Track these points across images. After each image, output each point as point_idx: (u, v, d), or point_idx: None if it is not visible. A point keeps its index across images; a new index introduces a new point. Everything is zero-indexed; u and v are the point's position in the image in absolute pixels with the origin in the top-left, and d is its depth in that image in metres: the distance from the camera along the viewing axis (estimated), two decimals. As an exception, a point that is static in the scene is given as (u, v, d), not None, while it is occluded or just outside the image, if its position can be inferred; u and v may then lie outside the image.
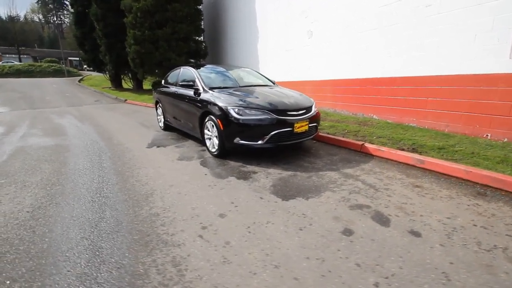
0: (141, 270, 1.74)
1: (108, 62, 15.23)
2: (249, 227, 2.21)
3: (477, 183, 2.94)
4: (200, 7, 12.49)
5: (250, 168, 3.58)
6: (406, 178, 3.14)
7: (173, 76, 5.78)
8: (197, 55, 12.79)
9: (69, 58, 42.65)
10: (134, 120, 7.66)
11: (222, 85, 4.56)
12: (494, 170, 3.04)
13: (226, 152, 3.98)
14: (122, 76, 17.33)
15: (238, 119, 3.63)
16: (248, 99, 3.90)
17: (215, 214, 2.43)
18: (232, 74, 5.20)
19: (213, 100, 4.01)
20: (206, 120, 4.13)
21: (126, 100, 12.59)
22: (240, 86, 4.64)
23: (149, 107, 10.40)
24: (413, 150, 3.90)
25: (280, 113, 3.67)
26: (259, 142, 3.63)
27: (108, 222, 2.34)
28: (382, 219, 2.28)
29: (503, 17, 3.81)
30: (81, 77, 26.59)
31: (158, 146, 4.80)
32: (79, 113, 9.21)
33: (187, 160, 4.00)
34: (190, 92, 4.59)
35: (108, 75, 17.74)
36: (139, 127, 6.60)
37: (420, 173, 3.28)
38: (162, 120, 6.08)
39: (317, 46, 7.33)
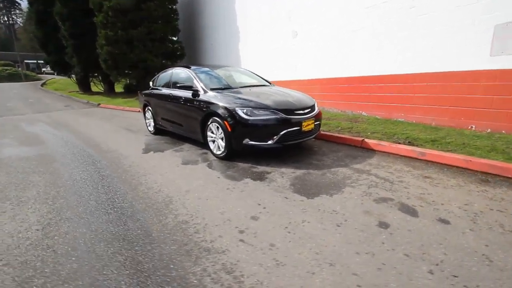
0: (195, 281, 1.66)
1: (75, 64, 14.22)
2: (286, 227, 2.20)
3: (477, 171, 3.19)
4: (175, 6, 12.12)
5: (261, 168, 3.56)
6: (414, 170, 3.32)
7: (163, 78, 5.56)
8: (173, 56, 12.39)
9: (25, 61, 39.08)
10: (116, 125, 7.24)
11: (222, 86, 4.47)
12: (488, 158, 3.32)
13: (233, 154, 3.91)
14: (91, 78, 16.28)
15: (247, 120, 3.59)
16: (254, 99, 3.86)
17: (246, 217, 2.38)
18: (227, 74, 5.12)
19: (217, 102, 3.93)
20: (210, 122, 4.03)
21: (99, 104, 11.86)
22: (239, 87, 4.58)
23: (126, 111, 9.91)
24: (409, 143, 4.14)
25: (288, 112, 3.69)
26: (269, 142, 3.62)
27: (136, 233, 2.20)
28: (409, 210, 2.40)
29: (483, 18, 4.17)
30: (42, 81, 24.60)
31: (155, 151, 4.59)
32: (50, 119, 8.50)
33: (193, 164, 3.87)
34: (188, 94, 4.44)
35: (75, 78, 16.58)
36: (126, 132, 6.26)
37: (424, 165, 3.49)
38: (152, 124, 5.83)
39: (303, 46, 7.46)
